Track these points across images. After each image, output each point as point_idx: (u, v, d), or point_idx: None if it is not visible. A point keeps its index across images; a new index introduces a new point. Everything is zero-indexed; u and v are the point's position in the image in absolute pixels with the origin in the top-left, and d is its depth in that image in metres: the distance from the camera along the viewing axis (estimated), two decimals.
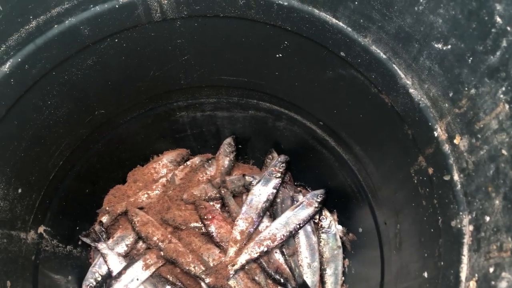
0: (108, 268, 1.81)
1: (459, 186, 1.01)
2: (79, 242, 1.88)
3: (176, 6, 1.30)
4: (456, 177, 1.02)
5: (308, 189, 2.09)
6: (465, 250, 0.95)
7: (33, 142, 1.41)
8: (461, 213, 0.99)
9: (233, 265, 1.75)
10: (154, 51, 1.46)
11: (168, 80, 1.65)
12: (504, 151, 0.83)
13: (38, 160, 1.47)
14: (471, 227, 0.95)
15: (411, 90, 1.12)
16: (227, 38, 1.44)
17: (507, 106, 0.82)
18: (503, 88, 0.83)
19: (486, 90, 0.88)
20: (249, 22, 1.34)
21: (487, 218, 0.88)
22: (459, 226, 0.98)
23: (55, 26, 1.18)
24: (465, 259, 0.94)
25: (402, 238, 1.38)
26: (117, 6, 1.24)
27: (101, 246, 1.83)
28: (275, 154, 2.07)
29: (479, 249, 0.89)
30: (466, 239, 0.95)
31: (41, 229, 1.60)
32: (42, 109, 1.36)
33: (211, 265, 1.78)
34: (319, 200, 1.91)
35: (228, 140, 2.09)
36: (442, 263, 1.05)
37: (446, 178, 1.05)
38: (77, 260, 1.86)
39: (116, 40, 1.35)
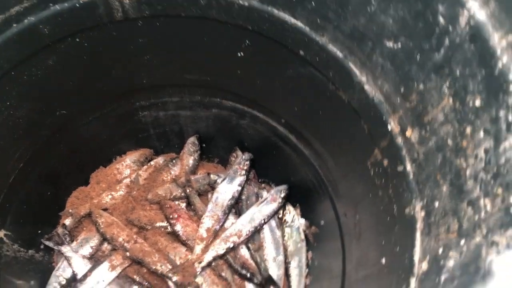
0: (73, 271, 1.78)
1: (411, 175, 1.08)
2: (42, 246, 1.84)
3: (138, 6, 1.31)
4: (408, 167, 1.09)
5: (272, 185, 2.14)
6: (417, 235, 1.02)
7: None
8: (413, 200, 1.06)
9: (199, 263, 1.77)
10: (116, 50, 1.46)
11: (130, 80, 1.65)
12: (449, 141, 0.90)
13: None
14: (422, 213, 1.02)
15: (366, 87, 1.19)
16: (189, 38, 1.46)
17: (451, 100, 0.89)
18: (447, 83, 0.90)
19: (432, 85, 0.95)
20: (211, 22, 1.37)
21: (436, 204, 0.95)
22: (412, 213, 1.05)
23: (14, 25, 1.17)
24: (418, 243, 1.01)
25: (361, 228, 1.45)
26: (77, 5, 1.23)
27: (65, 249, 1.81)
28: (239, 152, 2.10)
29: (430, 233, 0.96)
30: (419, 225, 1.02)
31: (1, 233, 1.57)
32: (1, 110, 1.34)
33: (178, 263, 1.80)
34: (282, 195, 1.96)
35: (192, 139, 2.10)
36: (397, 248, 1.12)
37: (400, 168, 1.12)
38: (39, 265, 1.82)
39: (77, 40, 1.34)
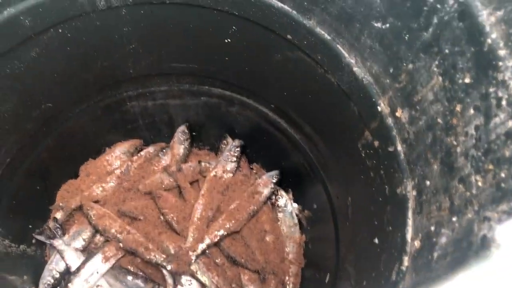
0: (66, 264, 1.77)
1: (402, 155, 1.09)
2: (33, 241, 1.83)
3: None
4: (399, 147, 1.09)
5: (263, 170, 2.14)
6: (409, 214, 1.03)
7: None
8: (405, 180, 1.07)
9: (194, 251, 1.77)
10: (100, 40, 1.44)
11: (116, 70, 1.62)
12: (439, 120, 0.91)
13: None
14: (414, 192, 1.03)
15: (355, 69, 1.19)
16: (174, 25, 1.44)
17: (440, 78, 0.90)
18: (436, 62, 0.91)
19: (421, 65, 0.95)
20: (196, 8, 1.35)
21: (428, 182, 0.96)
22: (404, 192, 1.06)
23: None
24: (410, 221, 1.02)
25: (354, 210, 1.46)
26: None
27: (57, 242, 1.79)
28: (229, 139, 2.09)
29: (422, 211, 0.97)
30: (411, 204, 1.03)
31: None
32: None
33: (172, 252, 1.80)
34: (274, 180, 1.97)
35: (182, 128, 2.09)
36: (390, 228, 1.13)
37: (391, 149, 1.13)
38: (32, 259, 1.81)
39: (60, 30, 1.31)
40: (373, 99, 1.16)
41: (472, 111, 0.80)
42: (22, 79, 1.36)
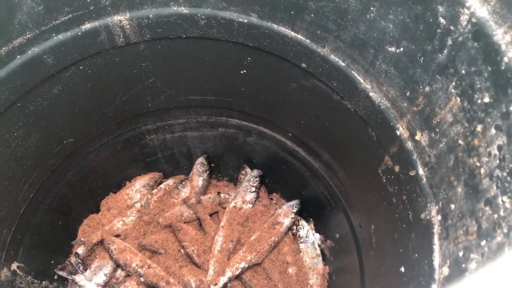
0: None
1: (424, 179, 1.06)
2: (55, 277, 1.83)
3: (139, 30, 1.32)
4: (421, 171, 1.07)
5: (283, 200, 2.12)
6: (435, 240, 0.99)
7: (1, 176, 1.38)
8: (428, 205, 1.04)
9: (215, 284, 1.74)
10: (120, 76, 1.48)
11: (136, 104, 1.66)
12: (460, 141, 0.89)
13: (7, 194, 1.44)
14: (439, 217, 0.99)
15: (371, 94, 1.18)
16: (191, 58, 1.47)
17: (458, 99, 0.88)
18: (453, 83, 0.89)
19: (439, 87, 0.94)
20: (211, 41, 1.38)
21: (452, 206, 0.93)
22: (428, 217, 1.03)
23: (18, 56, 1.18)
24: (436, 247, 0.98)
25: (377, 238, 1.42)
26: (79, 33, 1.25)
27: (79, 278, 1.79)
28: (248, 170, 2.09)
29: (448, 236, 0.94)
30: (436, 229, 1.00)
31: (14, 265, 1.56)
32: (9, 142, 1.34)
33: (193, 286, 1.77)
34: (294, 210, 1.94)
35: (200, 159, 2.10)
36: (416, 255, 1.09)
37: (412, 173, 1.10)
38: None
39: (81, 68, 1.36)
40: (391, 124, 1.15)
41: (493, 131, 0.78)
42: (45, 116, 1.40)
